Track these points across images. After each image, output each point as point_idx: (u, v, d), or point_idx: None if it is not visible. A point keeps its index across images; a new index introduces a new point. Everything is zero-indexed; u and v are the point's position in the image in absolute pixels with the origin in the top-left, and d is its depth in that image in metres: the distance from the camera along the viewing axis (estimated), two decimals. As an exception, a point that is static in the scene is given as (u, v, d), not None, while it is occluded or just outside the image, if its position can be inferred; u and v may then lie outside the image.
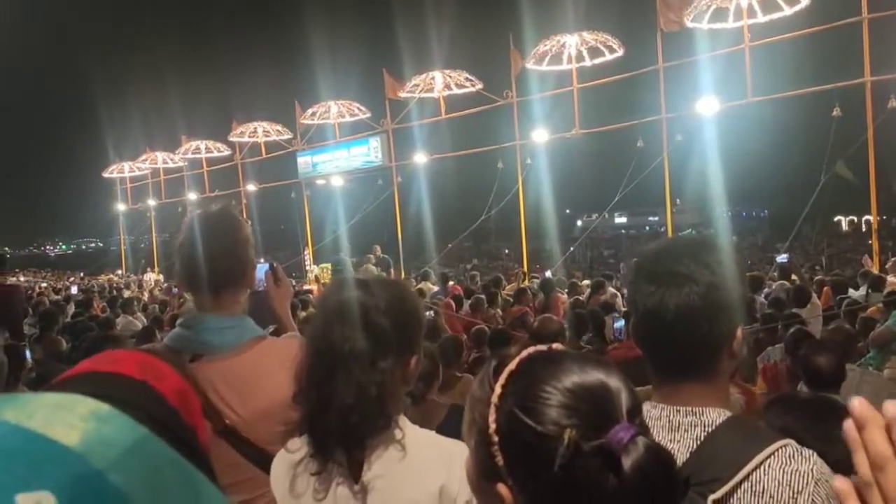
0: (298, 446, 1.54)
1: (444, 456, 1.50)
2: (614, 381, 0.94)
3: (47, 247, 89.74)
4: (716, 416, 1.31)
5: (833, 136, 13.24)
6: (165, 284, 21.57)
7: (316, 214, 23.21)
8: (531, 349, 1.00)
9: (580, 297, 8.97)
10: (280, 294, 2.24)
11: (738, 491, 1.23)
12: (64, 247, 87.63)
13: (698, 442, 1.30)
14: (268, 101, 25.26)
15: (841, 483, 0.67)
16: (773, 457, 1.24)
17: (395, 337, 1.51)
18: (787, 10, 13.25)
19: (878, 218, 14.22)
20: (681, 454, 1.29)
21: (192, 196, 26.89)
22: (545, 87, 16.94)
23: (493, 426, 0.93)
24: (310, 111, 21.55)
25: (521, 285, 10.78)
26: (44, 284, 23.06)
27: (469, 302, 9.42)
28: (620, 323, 6.04)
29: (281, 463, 1.58)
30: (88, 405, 0.53)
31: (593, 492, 0.87)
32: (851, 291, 8.98)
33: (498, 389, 0.94)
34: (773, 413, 1.98)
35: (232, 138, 23.81)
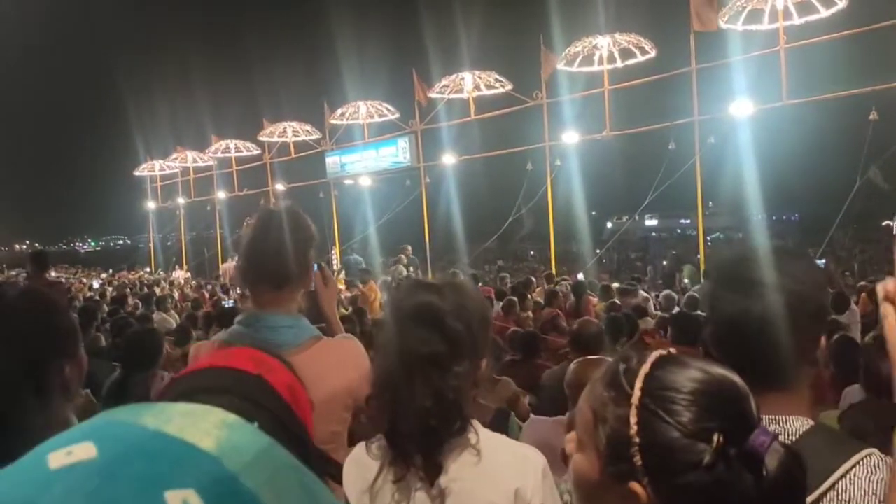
0: (378, 453, 1.55)
1: (518, 460, 1.51)
2: (743, 385, 0.98)
3: (76, 243, 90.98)
4: (799, 424, 1.31)
5: (869, 141, 13.05)
6: (195, 282, 21.84)
7: (344, 214, 23.32)
8: (658, 352, 1.03)
9: (616, 301, 8.92)
10: (328, 295, 2.26)
11: (825, 500, 1.23)
12: (93, 243, 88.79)
13: (783, 452, 1.29)
14: (297, 101, 25.39)
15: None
16: (858, 466, 1.24)
17: (469, 340, 1.52)
18: (824, 12, 13.08)
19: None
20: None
21: (221, 195, 27.14)
22: (575, 89, 16.87)
23: (634, 428, 0.95)
24: (339, 111, 21.64)
25: (552, 288, 10.74)
26: (83, 280, 23.43)
27: (500, 304, 9.41)
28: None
29: (357, 465, 1.58)
30: (218, 414, 0.56)
31: (735, 494, 0.90)
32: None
33: (637, 392, 0.97)
34: (852, 419, 1.97)
35: (261, 138, 23.99)
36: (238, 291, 15.81)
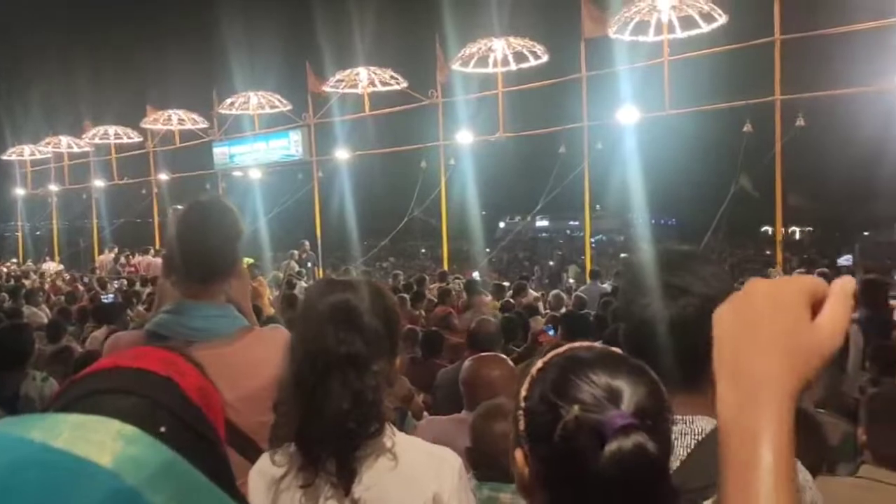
0: (283, 460, 1.48)
1: (435, 462, 1.48)
2: (627, 379, 1.02)
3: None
4: (705, 424, 1.35)
5: (743, 151, 13.87)
6: (68, 275, 20.65)
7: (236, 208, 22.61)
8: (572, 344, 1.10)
9: (510, 300, 9.07)
10: (241, 287, 2.19)
11: (729, 499, 1.26)
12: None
13: (689, 450, 1.33)
14: (184, 89, 24.38)
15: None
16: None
17: (386, 338, 1.48)
18: (705, 27, 13.79)
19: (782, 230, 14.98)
20: (672, 463, 1.31)
21: (99, 183, 25.82)
22: (470, 90, 17.09)
23: (523, 393, 1.03)
24: (228, 101, 21.03)
25: (445, 286, 10.81)
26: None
27: (393, 301, 9.35)
28: (550, 330, 6.14)
29: (262, 476, 1.51)
30: (114, 425, 0.52)
31: (580, 467, 0.95)
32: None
33: (539, 364, 1.06)
34: None
35: (145, 125, 22.96)
36: (115, 285, 15.08)
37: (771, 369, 0.65)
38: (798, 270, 10.94)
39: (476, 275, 16.21)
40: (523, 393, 1.04)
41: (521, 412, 1.03)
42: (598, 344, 1.09)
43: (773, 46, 13.15)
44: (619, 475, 0.94)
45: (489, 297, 10.26)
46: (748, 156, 14.04)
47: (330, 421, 1.42)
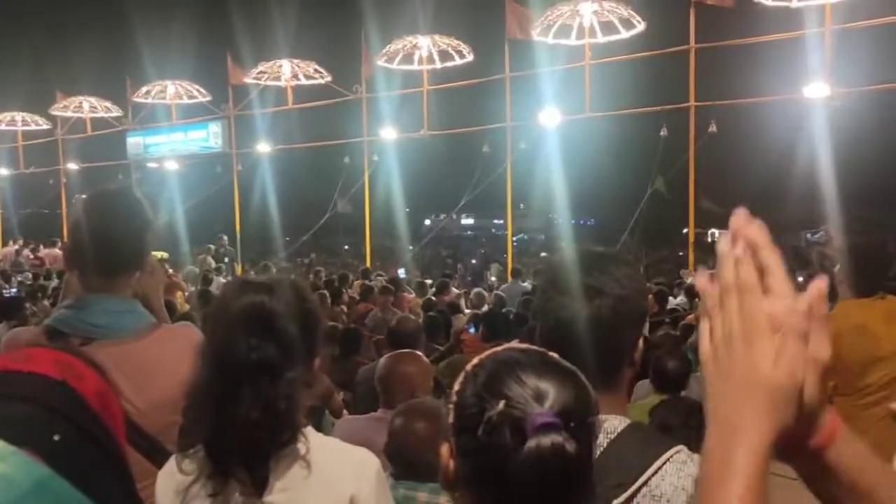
0: (191, 467, 1.41)
1: (353, 464, 1.45)
2: (555, 381, 1.03)
3: None
4: (617, 423, 1.37)
5: (660, 154, 14.31)
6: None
7: (146, 199, 21.80)
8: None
9: (432, 298, 9.08)
10: (153, 283, 2.10)
11: (639, 496, 1.30)
12: None
13: (601, 449, 1.35)
14: (96, 75, 23.31)
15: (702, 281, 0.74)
16: (669, 462, 1.32)
17: (303, 343, 1.44)
18: (625, 34, 14.18)
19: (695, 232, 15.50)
20: (583, 461, 1.33)
21: (4, 171, 24.59)
22: (395, 86, 17.04)
23: (456, 387, 1.05)
24: (144, 89, 20.34)
25: (367, 283, 10.74)
26: None
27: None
28: (472, 329, 6.18)
29: (169, 482, 1.44)
30: None
31: (500, 462, 0.97)
32: (670, 299, 9.72)
33: (475, 361, 1.07)
34: (660, 415, 2.15)
35: (54, 112, 21.96)
36: (19, 279, 14.39)
37: (742, 420, 0.68)
38: (710, 272, 11.29)
39: (402, 272, 16.19)
40: (456, 387, 1.06)
41: (451, 406, 1.05)
42: (534, 347, 1.11)
43: (689, 54, 13.61)
44: (535, 472, 0.96)
45: (412, 295, 10.26)
46: (664, 159, 14.50)
47: (240, 430, 1.36)
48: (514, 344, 1.12)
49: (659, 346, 4.82)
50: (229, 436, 1.37)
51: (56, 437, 0.70)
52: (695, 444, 1.51)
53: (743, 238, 0.70)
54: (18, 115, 23.10)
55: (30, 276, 14.50)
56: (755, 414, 0.67)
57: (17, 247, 19.98)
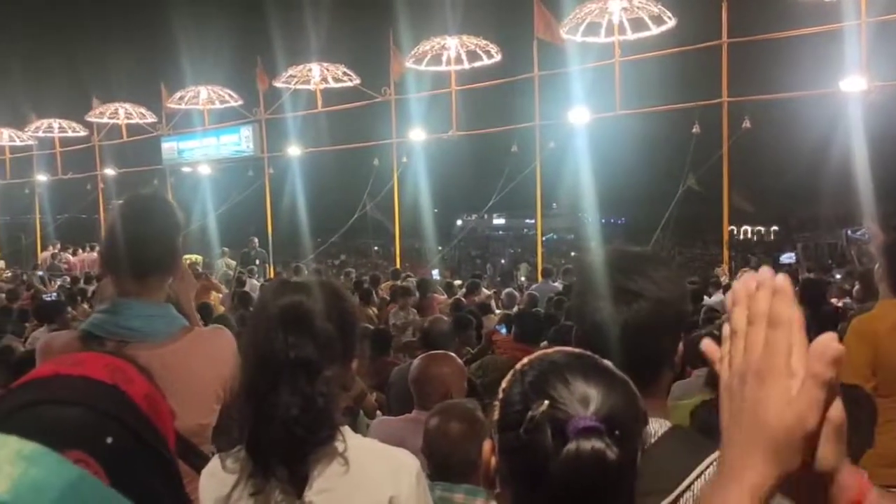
0: (234, 466, 1.44)
1: (391, 466, 1.46)
2: (602, 386, 1.02)
3: None
4: (658, 426, 1.35)
5: (692, 152, 14.13)
6: (10, 272, 20.02)
7: (180, 203, 22.06)
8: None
9: (461, 299, 9.08)
10: (184, 286, 2.13)
11: (681, 501, 1.28)
12: None
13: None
14: (131, 82, 23.72)
15: (707, 346, 0.75)
16: (712, 466, 1.30)
17: (339, 341, 1.46)
18: (655, 30, 14.03)
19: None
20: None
21: (42, 177, 25.09)
22: (423, 87, 17.06)
23: (504, 385, 1.05)
24: (177, 95, 20.60)
25: (398, 284, 10.77)
26: None
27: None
28: (503, 329, 6.16)
29: (212, 482, 1.47)
30: (12, 445, 0.48)
31: (539, 463, 0.96)
32: (705, 298, 9.59)
33: (524, 361, 1.07)
34: (701, 415, 2.11)
35: (90, 118, 22.36)
36: (58, 283, 14.67)
37: (744, 459, 0.67)
38: (743, 270, 11.15)
39: (436, 273, 16.25)
40: (503, 385, 1.06)
41: (497, 403, 1.05)
42: (587, 352, 1.10)
43: (721, 49, 13.43)
44: (573, 476, 0.95)
45: (443, 296, 10.28)
46: (697, 156, 14.32)
47: (279, 427, 1.39)
48: (567, 348, 1.12)
49: (698, 346, 4.73)
50: (270, 433, 1.40)
51: (109, 440, 0.71)
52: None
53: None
54: (56, 122, 23.56)
55: (68, 279, 14.78)
56: (758, 454, 0.65)
57: (54, 251, 20.38)
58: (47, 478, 0.46)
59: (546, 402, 0.98)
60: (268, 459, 1.41)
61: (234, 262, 15.45)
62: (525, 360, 1.08)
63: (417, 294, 10.08)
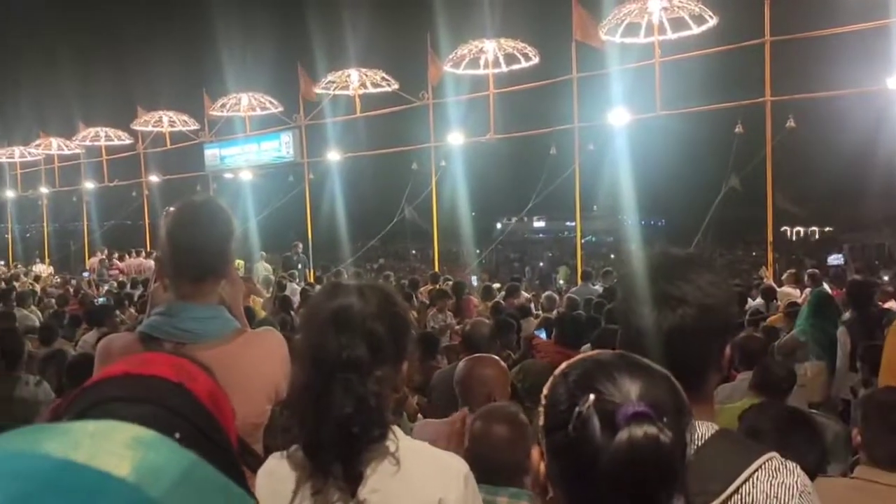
0: (292, 465, 1.49)
1: (441, 469, 1.48)
2: (647, 380, 1.02)
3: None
4: (705, 429, 1.35)
5: (735, 152, 13.92)
6: (59, 277, 20.53)
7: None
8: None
9: (500, 302, 9.08)
10: (234, 291, 2.18)
11: (730, 503, 1.27)
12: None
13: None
14: (174, 90, 24.28)
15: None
16: (760, 469, 1.29)
17: (390, 344, 1.49)
18: (696, 29, 13.84)
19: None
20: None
21: (89, 185, 25.69)
22: (461, 91, 17.08)
23: (546, 390, 1.06)
24: (219, 102, 20.93)
25: (439, 287, 10.81)
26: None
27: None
28: (542, 333, 6.15)
29: (269, 481, 1.51)
30: (129, 431, 0.50)
31: (591, 456, 0.95)
32: (749, 301, 9.45)
33: (564, 365, 1.08)
34: (749, 419, 2.12)
35: (135, 126, 22.86)
36: (106, 288, 15.01)
37: None
38: (789, 271, 10.97)
39: (474, 278, 16.26)
40: (545, 391, 1.06)
41: (542, 408, 1.05)
42: (628, 353, 1.10)
43: (763, 48, 13.22)
44: (628, 465, 0.93)
45: (477, 299, 10.28)
46: (739, 156, 14.10)
47: (334, 426, 1.43)
48: (606, 351, 1.13)
49: (743, 349, 4.68)
50: (326, 432, 1.44)
51: (177, 436, 0.74)
52: (784, 450, 1.48)
53: None
54: (102, 131, 24.13)
55: (115, 284, 15.11)
56: None
57: (102, 257, 20.84)
58: (165, 462, 0.48)
59: (591, 394, 0.97)
60: (325, 458, 1.45)
61: (270, 267, 15.67)
62: (565, 363, 1.08)
63: (454, 297, 10.12)
